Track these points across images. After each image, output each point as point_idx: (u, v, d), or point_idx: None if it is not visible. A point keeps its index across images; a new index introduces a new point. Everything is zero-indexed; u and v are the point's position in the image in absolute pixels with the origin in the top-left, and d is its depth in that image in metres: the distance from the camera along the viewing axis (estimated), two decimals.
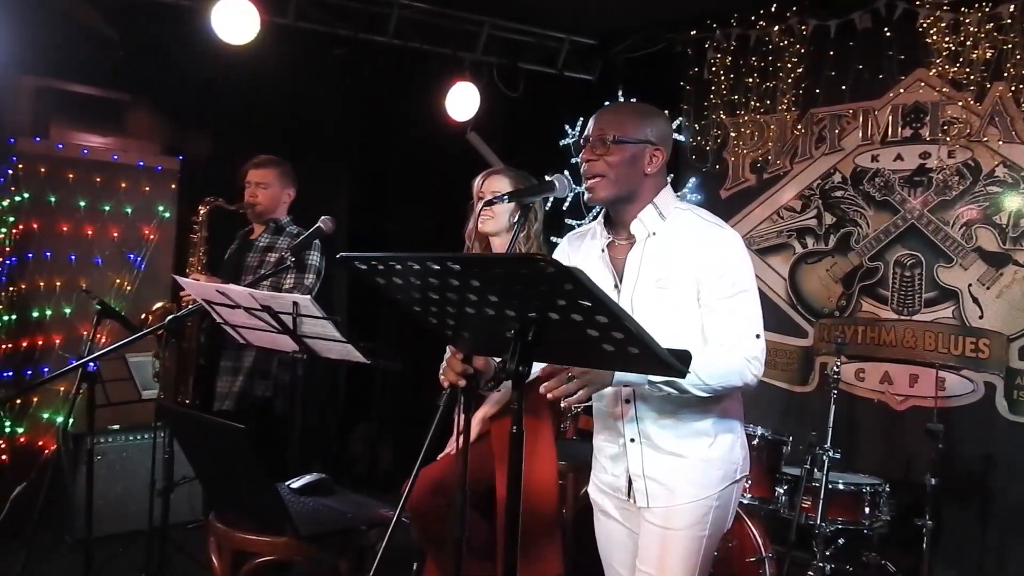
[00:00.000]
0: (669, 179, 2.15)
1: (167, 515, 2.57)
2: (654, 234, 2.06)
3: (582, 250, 2.20)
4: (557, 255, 2.28)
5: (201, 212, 3.68)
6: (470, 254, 1.50)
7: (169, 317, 2.60)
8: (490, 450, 3.00)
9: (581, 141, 2.09)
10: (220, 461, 2.29)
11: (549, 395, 1.83)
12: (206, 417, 2.78)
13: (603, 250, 2.12)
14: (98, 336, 4.27)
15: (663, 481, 2.06)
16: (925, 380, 4.36)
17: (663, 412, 2.06)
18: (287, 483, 2.58)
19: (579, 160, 2.09)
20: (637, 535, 2.14)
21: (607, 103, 2.18)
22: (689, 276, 2.01)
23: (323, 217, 3.00)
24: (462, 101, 5.29)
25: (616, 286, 2.08)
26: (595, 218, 2.20)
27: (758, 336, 2.02)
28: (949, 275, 4.38)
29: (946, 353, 4.34)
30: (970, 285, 4.30)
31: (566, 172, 2.39)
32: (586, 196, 2.10)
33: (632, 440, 2.09)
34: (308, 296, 2.39)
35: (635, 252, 2.07)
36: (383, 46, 5.20)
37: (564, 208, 5.51)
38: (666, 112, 2.16)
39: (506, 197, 2.04)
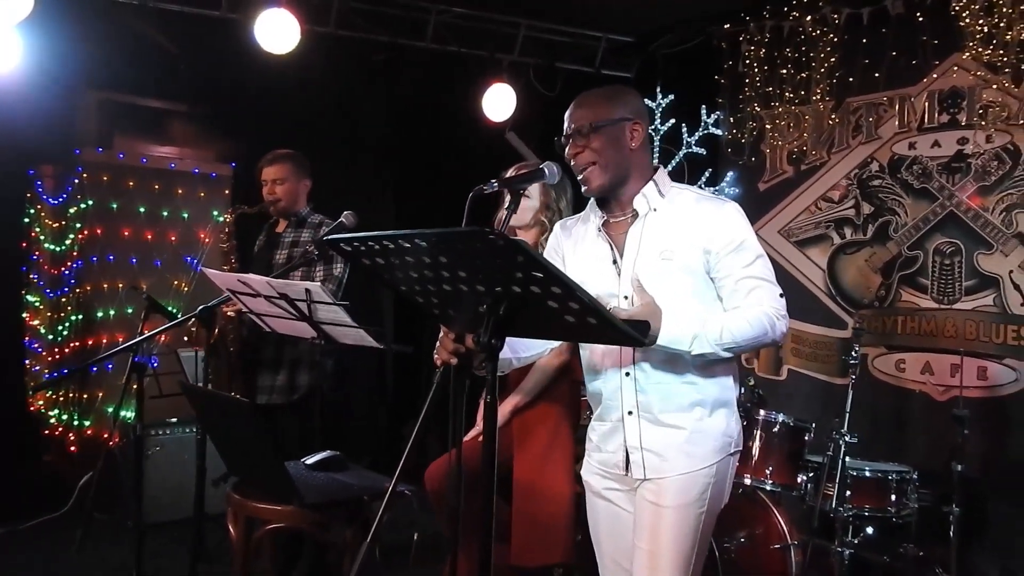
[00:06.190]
0: (660, 163, 2.20)
1: (203, 495, 2.73)
2: (655, 210, 2.13)
3: (575, 234, 2.27)
4: (549, 244, 2.36)
5: (228, 222, 3.80)
6: (431, 230, 1.59)
7: (200, 307, 2.76)
8: (511, 437, 3.09)
9: (563, 140, 2.16)
10: (233, 435, 2.45)
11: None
12: (219, 394, 2.94)
13: (599, 229, 2.19)
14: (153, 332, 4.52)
15: (660, 452, 2.11)
16: (967, 369, 4.26)
17: (661, 384, 2.11)
18: (302, 460, 2.73)
19: (566, 157, 2.16)
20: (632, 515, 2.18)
21: (579, 95, 2.23)
22: (695, 246, 2.07)
23: (345, 212, 3.13)
24: (498, 102, 5.41)
25: (615, 261, 2.15)
26: None
27: (781, 295, 2.09)
28: (989, 262, 4.28)
29: (988, 342, 4.25)
30: (1011, 272, 4.20)
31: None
32: (583, 189, 2.16)
33: (630, 412, 2.14)
34: (318, 283, 2.53)
35: (636, 227, 2.14)
36: (422, 50, 5.35)
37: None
38: (635, 90, 2.24)
39: (495, 183, 2.13)
